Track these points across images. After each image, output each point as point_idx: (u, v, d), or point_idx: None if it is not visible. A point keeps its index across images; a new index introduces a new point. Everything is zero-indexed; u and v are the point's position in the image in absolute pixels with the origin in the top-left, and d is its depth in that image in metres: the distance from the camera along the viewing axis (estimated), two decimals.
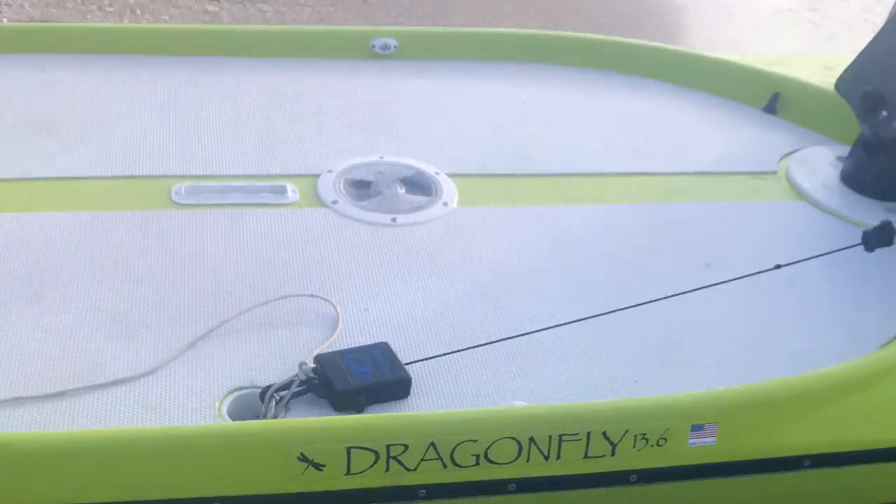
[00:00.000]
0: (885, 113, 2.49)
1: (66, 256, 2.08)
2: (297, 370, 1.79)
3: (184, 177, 2.38)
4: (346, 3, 4.93)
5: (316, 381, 1.78)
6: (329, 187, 2.40)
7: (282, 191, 2.37)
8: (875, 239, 2.22)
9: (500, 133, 2.77)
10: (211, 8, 4.50)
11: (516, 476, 1.71)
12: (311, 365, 1.79)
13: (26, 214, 2.21)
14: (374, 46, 3.09)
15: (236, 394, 1.78)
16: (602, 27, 4.87)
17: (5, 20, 4.30)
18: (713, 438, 1.78)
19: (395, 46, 3.09)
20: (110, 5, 4.41)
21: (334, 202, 2.34)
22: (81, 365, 1.80)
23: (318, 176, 2.45)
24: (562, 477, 1.74)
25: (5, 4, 4.44)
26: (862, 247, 2.23)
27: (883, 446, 1.89)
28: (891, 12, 2.87)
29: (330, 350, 1.86)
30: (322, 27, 4.12)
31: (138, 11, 4.37)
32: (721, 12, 5.89)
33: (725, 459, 1.80)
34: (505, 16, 5.07)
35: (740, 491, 1.86)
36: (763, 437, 1.82)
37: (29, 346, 1.84)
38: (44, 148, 2.47)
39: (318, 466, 1.62)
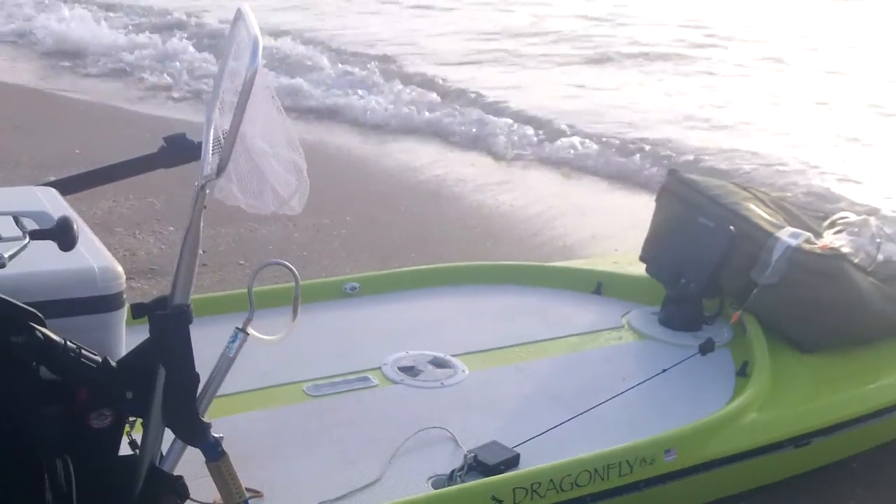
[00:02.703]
0: (684, 280, 4.29)
1: (279, 437, 3.34)
2: (462, 461, 3.19)
3: (304, 381, 3.70)
4: (224, 266, 6.30)
5: (473, 464, 3.18)
6: (392, 372, 3.80)
7: (367, 379, 3.74)
8: (706, 348, 3.96)
9: (457, 328, 4.29)
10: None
11: (590, 492, 3.18)
12: (472, 455, 3.20)
13: (243, 414, 3.44)
14: (345, 288, 4.53)
15: (431, 479, 3.14)
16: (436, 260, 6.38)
17: None
18: (675, 456, 3.35)
19: (358, 287, 4.55)
20: None
21: (402, 380, 3.75)
22: (341, 482, 3.09)
23: (379, 367, 3.84)
24: (609, 490, 3.23)
25: None
26: (699, 354, 3.97)
27: (749, 449, 3.54)
28: (654, 213, 4.68)
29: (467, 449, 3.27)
30: (306, 281, 5.35)
31: None
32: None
33: (682, 467, 3.37)
34: (341, 262, 6.61)
35: (694, 485, 3.42)
36: (696, 452, 3.41)
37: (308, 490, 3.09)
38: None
39: (500, 503, 3.02)
